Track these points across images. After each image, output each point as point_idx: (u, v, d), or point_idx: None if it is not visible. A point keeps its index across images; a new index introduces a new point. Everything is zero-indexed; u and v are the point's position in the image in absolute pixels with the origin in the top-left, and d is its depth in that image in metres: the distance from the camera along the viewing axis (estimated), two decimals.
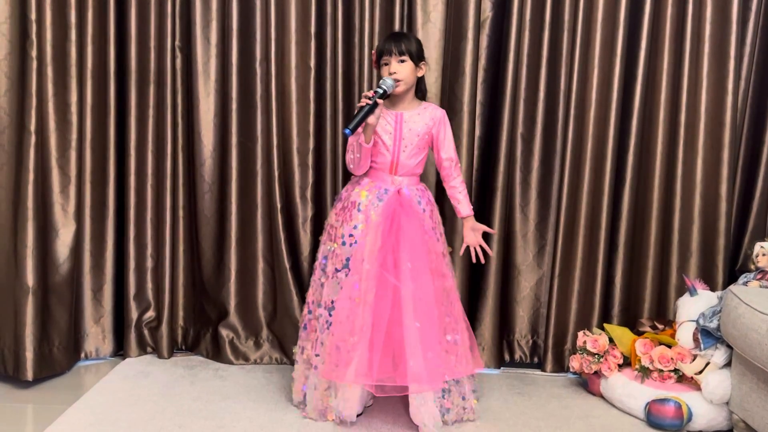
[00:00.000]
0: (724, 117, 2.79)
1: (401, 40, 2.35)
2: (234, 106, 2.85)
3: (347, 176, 2.62)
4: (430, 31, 2.84)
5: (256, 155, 2.87)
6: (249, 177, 2.89)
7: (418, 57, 2.37)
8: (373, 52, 2.47)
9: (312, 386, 2.37)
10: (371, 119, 2.24)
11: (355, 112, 2.22)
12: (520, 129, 2.89)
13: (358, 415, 2.38)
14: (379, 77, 2.39)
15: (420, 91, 2.45)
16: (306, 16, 2.81)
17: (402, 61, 2.33)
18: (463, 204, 2.48)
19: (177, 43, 2.87)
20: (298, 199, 2.90)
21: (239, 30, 2.82)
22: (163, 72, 2.85)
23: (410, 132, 2.38)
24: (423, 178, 2.89)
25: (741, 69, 2.85)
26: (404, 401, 2.38)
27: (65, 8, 2.67)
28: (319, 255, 2.45)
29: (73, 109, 2.72)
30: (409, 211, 2.35)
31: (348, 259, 2.31)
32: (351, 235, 2.33)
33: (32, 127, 2.58)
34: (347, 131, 2.19)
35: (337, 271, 2.33)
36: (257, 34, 2.81)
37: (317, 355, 2.34)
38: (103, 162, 2.87)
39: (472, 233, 2.49)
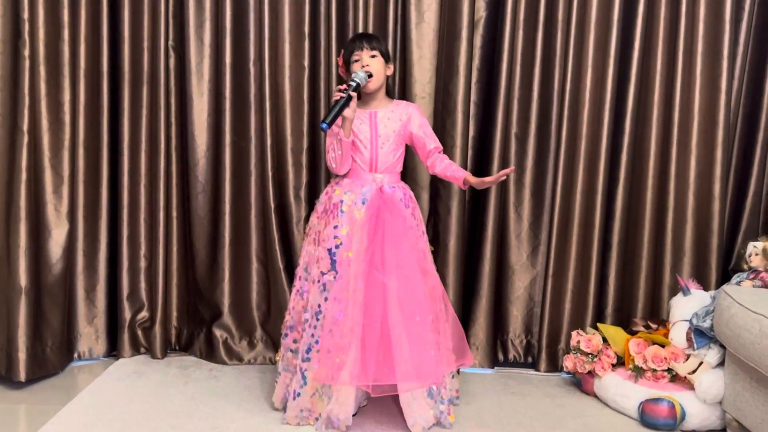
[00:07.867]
0: (718, 116, 2.79)
1: (371, 37, 2.43)
2: (228, 105, 2.84)
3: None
4: (424, 31, 2.84)
5: (249, 155, 2.86)
6: (243, 177, 2.88)
7: (386, 55, 2.42)
8: (338, 58, 2.48)
9: (292, 392, 2.33)
10: (347, 112, 2.26)
11: (331, 106, 2.25)
12: (513, 129, 2.89)
13: (352, 416, 2.38)
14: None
15: (388, 91, 2.49)
16: (300, 17, 2.81)
17: (373, 56, 2.37)
18: (460, 168, 2.45)
19: (170, 42, 2.87)
20: (292, 199, 2.90)
21: (233, 30, 2.81)
22: (157, 72, 2.84)
23: (386, 128, 2.41)
24: (415, 176, 2.89)
25: (734, 68, 2.85)
26: (398, 401, 2.37)
27: (58, 7, 2.66)
28: (302, 261, 2.43)
29: (66, 108, 2.71)
30: (392, 208, 2.35)
31: (334, 262, 2.30)
32: (336, 237, 2.31)
33: (25, 127, 2.57)
34: (324, 125, 2.21)
35: (322, 274, 2.31)
36: (251, 34, 2.80)
37: (305, 360, 2.30)
38: (96, 162, 2.87)
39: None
